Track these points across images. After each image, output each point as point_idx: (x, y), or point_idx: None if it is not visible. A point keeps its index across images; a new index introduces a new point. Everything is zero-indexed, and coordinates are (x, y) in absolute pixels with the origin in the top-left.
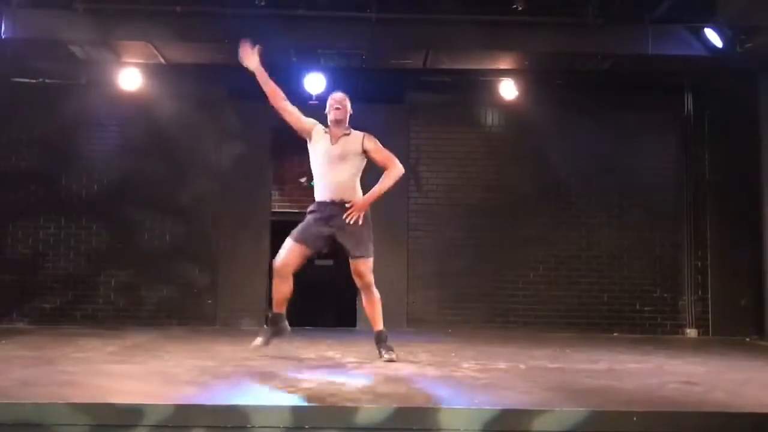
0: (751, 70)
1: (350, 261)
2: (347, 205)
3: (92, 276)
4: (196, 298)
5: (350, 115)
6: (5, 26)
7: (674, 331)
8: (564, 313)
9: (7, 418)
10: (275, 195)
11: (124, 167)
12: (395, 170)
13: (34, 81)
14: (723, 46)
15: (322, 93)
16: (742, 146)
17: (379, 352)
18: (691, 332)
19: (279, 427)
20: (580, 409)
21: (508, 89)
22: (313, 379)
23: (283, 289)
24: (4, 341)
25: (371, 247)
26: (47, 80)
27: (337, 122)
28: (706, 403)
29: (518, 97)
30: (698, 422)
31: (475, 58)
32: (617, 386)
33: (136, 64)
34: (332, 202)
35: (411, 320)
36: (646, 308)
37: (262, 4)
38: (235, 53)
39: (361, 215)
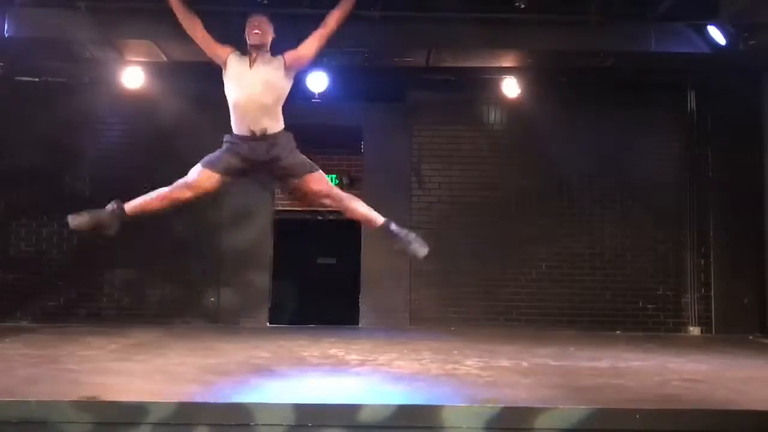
0: (754, 68)
1: (303, 184)
2: (273, 133)
3: (95, 274)
4: (200, 297)
5: (273, 39)
6: (8, 25)
7: (677, 329)
8: (567, 311)
9: (11, 415)
10: (278, 193)
11: (127, 165)
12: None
13: (37, 80)
14: (726, 43)
15: (324, 91)
16: (745, 144)
17: (402, 244)
18: (694, 330)
19: (282, 425)
20: (583, 407)
21: (511, 87)
22: (316, 376)
23: (157, 205)
24: (8, 339)
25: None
26: (50, 79)
27: (256, 47)
28: (709, 401)
29: (520, 96)
30: (701, 420)
31: (477, 56)
32: (620, 384)
33: (140, 63)
34: (252, 136)
35: (413, 318)
36: (648, 306)
37: (265, 2)
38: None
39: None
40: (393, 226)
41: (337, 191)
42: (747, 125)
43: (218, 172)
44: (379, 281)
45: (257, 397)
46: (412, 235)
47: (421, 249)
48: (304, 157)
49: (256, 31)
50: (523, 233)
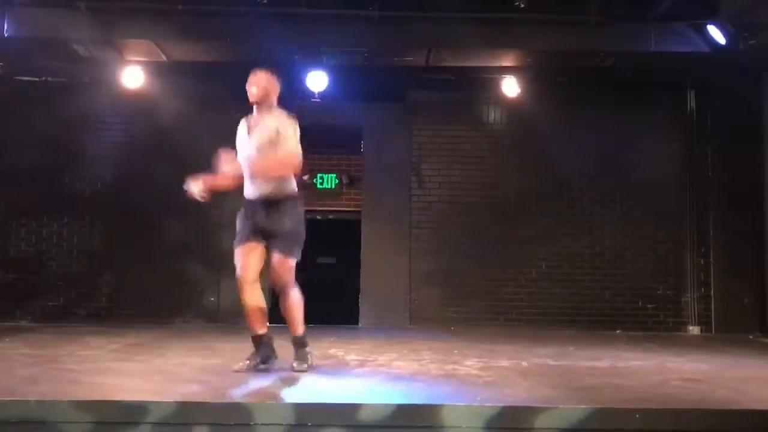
0: (754, 68)
1: (272, 251)
2: (277, 200)
3: (95, 274)
4: (199, 296)
5: (275, 94)
6: (8, 25)
7: (677, 329)
8: (566, 311)
9: (11, 415)
10: None
11: (127, 165)
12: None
13: (37, 79)
14: (726, 43)
15: (324, 91)
16: (744, 144)
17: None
18: (694, 330)
19: (281, 425)
20: (583, 406)
21: (511, 87)
22: (316, 376)
23: (253, 300)
24: (8, 339)
25: (297, 250)
26: (50, 79)
27: (255, 106)
28: (709, 401)
29: (520, 95)
30: (701, 420)
31: (477, 55)
32: (620, 384)
33: (139, 63)
34: (257, 201)
35: (413, 318)
36: (648, 306)
37: (264, 2)
38: (237, 51)
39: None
40: (301, 344)
41: (287, 285)
42: (747, 125)
43: (248, 240)
44: (379, 281)
45: (257, 396)
46: (307, 357)
47: (299, 368)
48: (295, 239)
49: (254, 88)
50: (523, 233)
